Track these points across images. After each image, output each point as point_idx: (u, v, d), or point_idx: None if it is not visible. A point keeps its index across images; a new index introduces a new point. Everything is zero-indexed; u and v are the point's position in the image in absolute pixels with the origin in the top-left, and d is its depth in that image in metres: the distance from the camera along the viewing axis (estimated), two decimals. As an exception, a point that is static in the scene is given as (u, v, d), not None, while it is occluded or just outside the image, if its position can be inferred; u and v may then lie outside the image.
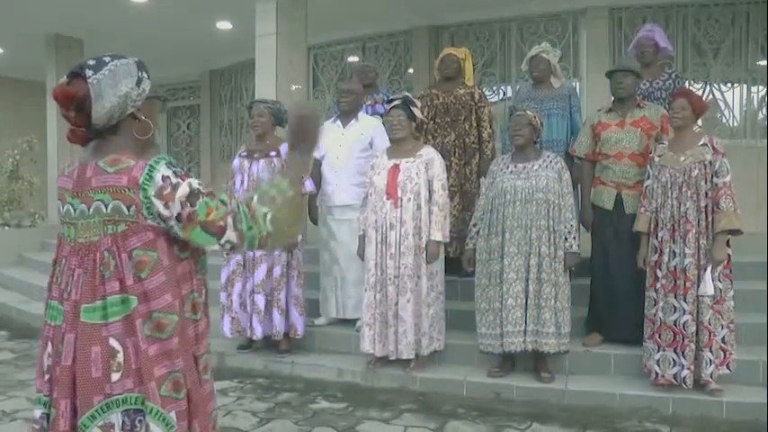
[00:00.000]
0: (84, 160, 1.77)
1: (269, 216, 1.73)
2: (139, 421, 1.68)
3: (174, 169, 1.70)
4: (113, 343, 1.66)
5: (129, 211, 1.68)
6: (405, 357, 4.43)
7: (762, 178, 6.80)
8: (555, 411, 4.06)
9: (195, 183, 1.70)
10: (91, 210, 1.71)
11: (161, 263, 1.70)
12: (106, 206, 1.69)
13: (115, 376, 1.66)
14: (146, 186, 1.67)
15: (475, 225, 4.48)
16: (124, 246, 1.68)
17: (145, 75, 1.80)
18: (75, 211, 1.74)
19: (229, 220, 1.70)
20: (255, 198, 1.75)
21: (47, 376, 1.75)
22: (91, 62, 1.73)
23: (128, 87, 1.74)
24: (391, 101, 4.59)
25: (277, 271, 4.76)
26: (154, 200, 1.66)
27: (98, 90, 1.70)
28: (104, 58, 1.75)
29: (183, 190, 1.67)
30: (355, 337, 4.93)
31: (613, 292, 4.48)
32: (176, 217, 1.67)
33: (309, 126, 1.85)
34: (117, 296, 1.67)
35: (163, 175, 1.67)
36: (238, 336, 4.93)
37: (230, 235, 1.71)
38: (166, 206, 1.67)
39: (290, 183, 1.79)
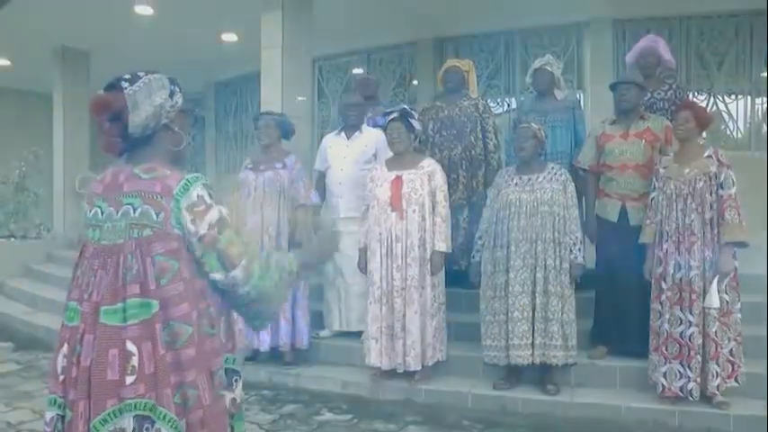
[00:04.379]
0: (118, 167, 1.83)
1: (279, 277, 1.89)
2: (146, 429, 1.68)
3: (209, 191, 1.80)
4: (130, 346, 1.68)
5: (157, 217, 1.73)
6: (412, 369, 4.42)
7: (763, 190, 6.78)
8: (560, 424, 4.05)
9: (225, 211, 1.81)
10: (119, 213, 1.75)
11: (181, 273, 1.74)
12: (135, 210, 1.74)
13: (129, 379, 1.67)
14: (179, 198, 1.74)
15: (480, 237, 4.48)
16: (148, 250, 1.72)
17: (177, 88, 1.89)
18: (102, 213, 1.79)
19: (245, 261, 1.80)
20: (275, 259, 1.90)
21: (61, 377, 1.77)
22: (126, 76, 1.82)
23: (162, 98, 1.82)
24: (389, 114, 4.60)
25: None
26: (184, 212, 1.74)
27: (134, 100, 1.77)
28: (138, 73, 1.83)
29: (214, 215, 1.77)
30: (360, 349, 4.91)
31: (618, 304, 4.47)
32: (200, 236, 1.75)
33: (331, 247, 2.22)
34: (137, 299, 1.70)
35: (198, 194, 1.77)
36: (245, 347, 4.93)
37: (238, 273, 1.79)
38: (193, 222, 1.75)
39: (299, 267, 2.00)
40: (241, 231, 1.87)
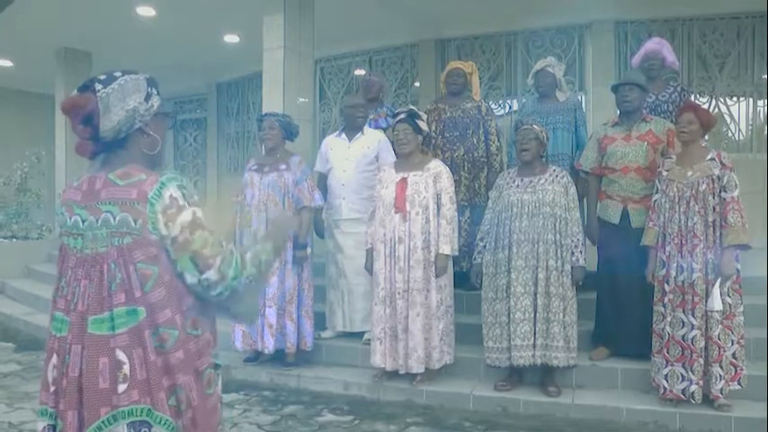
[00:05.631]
0: (94, 173, 1.79)
1: (254, 272, 1.84)
2: None
3: (183, 191, 1.75)
4: (119, 354, 1.67)
5: (135, 224, 1.70)
6: (414, 371, 4.41)
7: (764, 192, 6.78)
8: (561, 425, 4.05)
9: (199, 213, 1.76)
10: (99, 222, 1.72)
11: (162, 278, 1.71)
12: (114, 218, 1.71)
13: (121, 387, 1.66)
14: (153, 201, 1.70)
15: (482, 239, 4.47)
16: (131, 258, 1.69)
17: (154, 91, 1.83)
18: (83, 222, 1.76)
19: (218, 260, 1.75)
20: (250, 254, 1.84)
21: (52, 388, 1.76)
22: (101, 77, 1.78)
23: (136, 102, 1.77)
24: (397, 115, 4.60)
25: (289, 283, 4.78)
26: (159, 215, 1.70)
27: (106, 103, 1.73)
28: (115, 73, 1.79)
29: (186, 216, 1.73)
30: (362, 350, 4.92)
31: (620, 306, 4.47)
32: (172, 238, 1.72)
33: (286, 229, 2.13)
34: (123, 308, 1.68)
35: (171, 195, 1.72)
36: (249, 349, 4.94)
37: (212, 274, 1.75)
38: (167, 225, 1.71)
39: (275, 250, 1.95)
40: (217, 231, 1.81)
